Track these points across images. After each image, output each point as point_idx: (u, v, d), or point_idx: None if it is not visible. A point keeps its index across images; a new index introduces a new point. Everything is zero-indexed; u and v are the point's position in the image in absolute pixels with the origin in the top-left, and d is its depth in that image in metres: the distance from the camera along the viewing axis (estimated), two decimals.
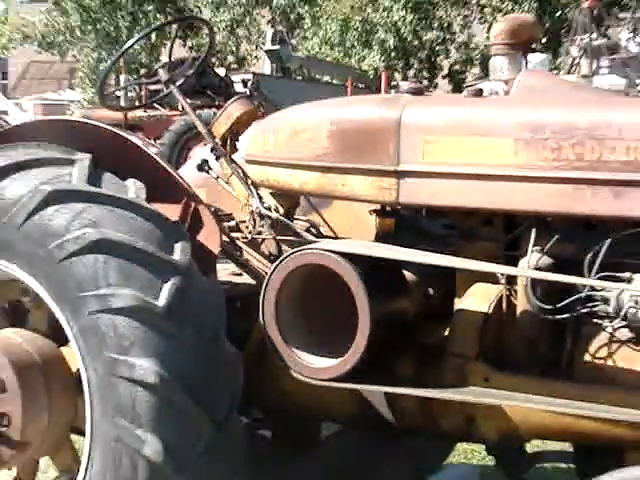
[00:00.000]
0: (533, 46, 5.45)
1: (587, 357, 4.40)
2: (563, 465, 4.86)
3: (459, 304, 4.63)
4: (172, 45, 6.80)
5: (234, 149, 5.30)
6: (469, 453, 6.05)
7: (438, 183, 4.56)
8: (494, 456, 5.19)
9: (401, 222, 4.79)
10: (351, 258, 4.41)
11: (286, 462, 5.76)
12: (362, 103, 5.09)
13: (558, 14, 27.88)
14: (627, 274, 4.25)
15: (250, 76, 22.18)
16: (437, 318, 4.74)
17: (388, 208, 4.78)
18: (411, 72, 29.14)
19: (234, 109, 5.54)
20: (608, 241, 4.31)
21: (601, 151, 4.23)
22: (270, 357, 4.63)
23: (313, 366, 4.54)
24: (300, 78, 23.63)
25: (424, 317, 4.80)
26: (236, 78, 21.83)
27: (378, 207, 4.80)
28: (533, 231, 4.46)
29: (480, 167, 4.46)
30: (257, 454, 5.12)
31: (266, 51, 26.75)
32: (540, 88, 4.97)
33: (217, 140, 5.36)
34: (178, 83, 5.78)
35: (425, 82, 27.84)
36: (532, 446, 5.04)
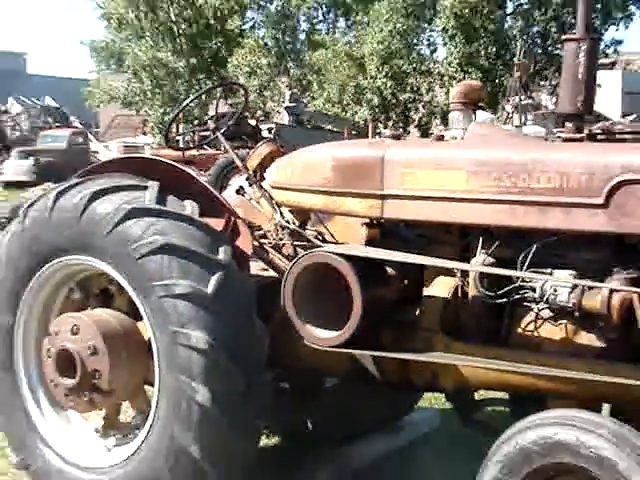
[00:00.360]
0: (480, 104, 5.48)
1: (519, 330, 4.44)
2: (502, 409, 4.86)
3: (426, 291, 4.66)
4: (217, 103, 6.85)
5: (262, 178, 5.34)
6: (433, 400, 6.05)
7: (412, 203, 4.60)
8: (452, 402, 5.25)
9: (384, 231, 4.84)
10: (347, 258, 4.49)
11: (299, 406, 5.82)
12: (356, 145, 5.15)
13: (497, 81, 27.78)
14: (549, 269, 4.31)
15: (273, 125, 22.13)
16: (410, 302, 4.77)
17: (375, 221, 4.80)
18: (390, 123, 29.04)
19: (262, 149, 5.59)
20: (535, 246, 4.36)
21: (529, 181, 4.27)
22: (288, 330, 4.69)
23: (320, 336, 4.60)
24: (310, 127, 23.53)
25: (401, 301, 4.83)
26: (263, 127, 21.85)
27: (367, 220, 4.82)
28: (480, 238, 4.52)
29: (442, 192, 4.50)
30: (278, 401, 5.16)
31: (285, 107, 26.67)
32: (485, 135, 5.01)
33: (250, 172, 5.41)
34: (222, 130, 5.83)
35: (401, 130, 27.76)
36: (479, 395, 5.06)
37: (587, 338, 4.30)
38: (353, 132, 24.75)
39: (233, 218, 5.00)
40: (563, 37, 4.80)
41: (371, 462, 5.87)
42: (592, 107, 4.73)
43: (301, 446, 6.02)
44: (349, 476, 5.59)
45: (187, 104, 6.41)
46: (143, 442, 4.73)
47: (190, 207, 4.78)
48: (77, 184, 4.95)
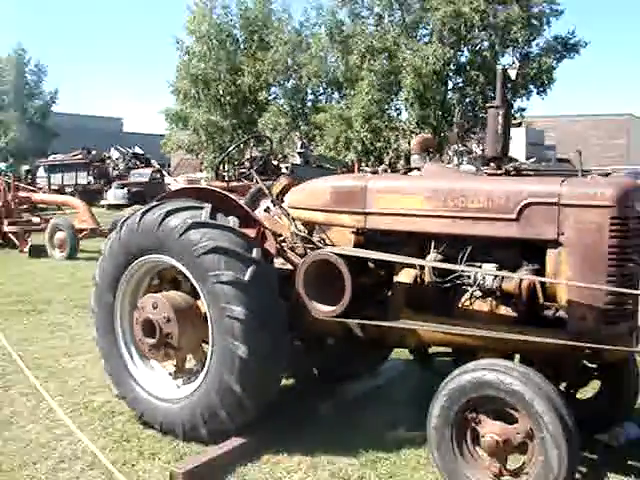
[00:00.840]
0: (430, 150, 5.49)
1: (459, 305, 4.43)
2: (447, 359, 4.84)
3: (396, 279, 4.64)
4: (251, 150, 6.86)
5: (282, 201, 5.32)
6: (400, 354, 6.03)
7: (386, 218, 4.60)
8: (413, 355, 5.23)
9: (367, 238, 4.80)
10: (341, 256, 4.49)
11: (308, 357, 5.81)
12: (346, 178, 5.12)
13: (442, 135, 27.80)
14: (479, 264, 4.32)
15: (289, 165, 22.06)
16: (385, 286, 4.75)
17: (360, 230, 4.78)
18: (369, 163, 29.12)
19: (282, 181, 5.58)
20: (470, 247, 4.36)
21: (466, 202, 4.28)
22: (301, 305, 4.68)
23: (322, 310, 4.60)
24: (314, 166, 23.55)
25: (378, 286, 4.80)
26: (282, 166, 21.73)
27: (355, 230, 4.79)
28: (433, 242, 4.51)
29: (406, 210, 4.51)
30: (294, 354, 5.16)
31: (297, 152, 26.71)
32: (436, 171, 5.01)
33: (274, 196, 5.39)
34: (254, 168, 5.81)
35: (377, 168, 27.85)
36: (432, 350, 5.03)
37: (505, 310, 4.29)
38: (344, 169, 24.77)
39: (262, 229, 5.00)
40: (487, 105, 4.81)
41: (360, 396, 5.85)
42: (507, 152, 4.73)
43: (310, 385, 5.99)
44: (346, 405, 5.56)
45: (230, 151, 6.40)
46: (202, 382, 4.74)
47: (232, 221, 4.78)
48: (156, 206, 4.95)
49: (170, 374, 5.20)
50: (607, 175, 4.45)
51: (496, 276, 4.19)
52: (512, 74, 4.87)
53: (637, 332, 4.29)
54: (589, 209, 3.94)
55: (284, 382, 5.41)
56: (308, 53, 32.76)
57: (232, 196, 5.13)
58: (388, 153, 29.76)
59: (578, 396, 5.02)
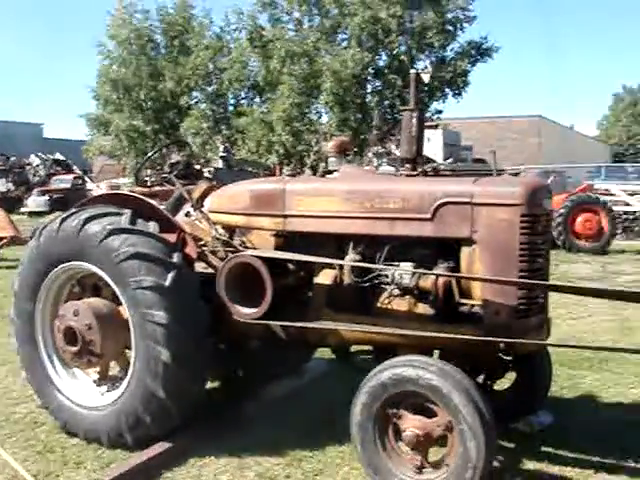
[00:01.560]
0: (348, 152, 5.51)
1: (379, 304, 4.44)
2: (368, 356, 4.87)
3: (316, 280, 4.62)
4: (169, 155, 6.79)
5: (202, 205, 5.26)
6: (323, 353, 6.05)
7: (305, 220, 4.61)
8: (335, 354, 5.25)
9: (287, 240, 4.79)
10: (261, 258, 4.47)
11: (232, 360, 5.77)
12: (265, 181, 5.13)
13: (362, 137, 28.08)
14: (397, 262, 4.35)
15: (212, 169, 21.91)
16: (306, 287, 4.73)
17: (280, 233, 4.76)
18: (291, 166, 29.18)
19: (201, 185, 5.52)
20: (387, 247, 4.40)
21: (383, 203, 4.32)
22: (223, 308, 4.63)
23: (244, 312, 4.56)
24: (237, 170, 23.46)
25: (299, 287, 4.79)
26: (205, 170, 21.56)
27: (275, 233, 4.78)
28: (351, 243, 4.53)
29: (324, 212, 4.52)
30: (218, 357, 5.12)
31: (220, 156, 26.60)
32: (353, 173, 5.04)
33: (194, 201, 5.33)
34: (174, 173, 5.74)
35: (298, 171, 27.82)
36: (353, 348, 5.05)
37: (423, 308, 4.33)
38: (267, 172, 24.76)
39: (182, 233, 4.93)
40: (401, 108, 4.86)
41: (284, 395, 5.84)
42: (422, 153, 4.80)
43: (234, 387, 5.96)
44: (270, 405, 5.55)
45: (149, 157, 6.33)
46: (126, 388, 4.66)
47: (152, 226, 4.71)
48: (75, 212, 4.85)
49: (94, 382, 5.09)
50: (517, 174, 4.56)
51: (414, 274, 4.23)
52: (425, 78, 4.94)
53: (548, 324, 4.43)
54: (500, 207, 4.03)
55: (209, 385, 5.37)
56: (229, 58, 32.65)
57: (152, 201, 5.05)
58: (309, 156, 29.82)
59: (495, 387, 5.11)
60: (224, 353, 5.46)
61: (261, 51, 30.83)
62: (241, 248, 4.85)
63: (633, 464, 4.52)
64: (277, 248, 4.78)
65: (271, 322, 4.57)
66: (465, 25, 30.58)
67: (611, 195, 22.94)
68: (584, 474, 4.41)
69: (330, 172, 5.35)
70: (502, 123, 43.14)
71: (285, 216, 4.66)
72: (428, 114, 30.00)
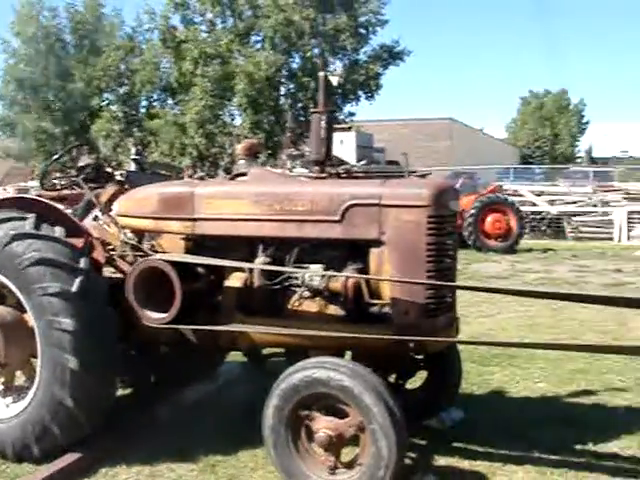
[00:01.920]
0: (259, 155, 5.51)
1: (289, 306, 4.44)
2: (280, 359, 4.85)
3: (227, 283, 4.57)
4: (77, 157, 6.63)
5: (110, 209, 5.16)
6: (235, 356, 6.01)
7: (214, 223, 4.57)
8: (247, 357, 5.22)
9: (197, 243, 4.73)
10: (170, 262, 4.42)
11: (143, 366, 5.70)
12: (174, 185, 5.07)
13: (276, 139, 28.14)
14: (306, 265, 4.36)
15: (124, 172, 21.45)
16: (216, 291, 4.68)
17: (189, 236, 4.70)
18: (205, 169, 28.98)
19: (110, 189, 5.40)
20: (297, 249, 4.41)
21: (291, 205, 4.33)
22: (132, 314, 4.55)
23: (153, 317, 4.49)
24: (150, 172, 23.14)
25: (209, 291, 4.74)
26: (116, 173, 21.10)
27: (184, 236, 4.72)
28: (261, 246, 4.52)
29: (234, 214, 4.50)
30: (128, 364, 5.05)
31: (132, 159, 26.16)
32: (262, 176, 5.04)
33: (102, 205, 5.22)
34: (81, 176, 5.64)
35: (213, 173, 27.68)
36: (266, 351, 5.02)
37: (333, 309, 4.35)
38: (180, 175, 24.54)
39: (90, 238, 4.83)
40: (311, 110, 4.88)
41: (197, 400, 5.80)
42: (331, 155, 4.82)
43: (146, 393, 5.87)
44: (182, 411, 5.49)
45: (54, 160, 6.18)
46: (32, 398, 4.53)
47: (58, 231, 4.60)
48: None
49: None
50: (424, 176, 4.63)
51: (323, 276, 4.25)
52: (334, 80, 4.97)
53: (457, 323, 4.52)
54: (407, 209, 4.09)
55: (120, 392, 5.28)
56: (141, 58, 32.18)
57: (58, 205, 4.94)
58: (223, 158, 29.70)
59: (407, 386, 5.19)
60: (134, 359, 5.39)
61: (174, 52, 30.51)
62: (150, 252, 4.77)
63: (538, 455, 4.67)
64: (187, 252, 4.72)
65: (180, 326, 4.51)
66: (377, 29, 31.06)
67: (519, 196, 23.72)
68: (493, 467, 4.52)
69: (241, 175, 5.32)
70: (414, 125, 43.79)
71: (194, 219, 4.61)
72: (341, 116, 30.33)
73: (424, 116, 45.73)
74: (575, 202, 24.30)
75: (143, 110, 34.29)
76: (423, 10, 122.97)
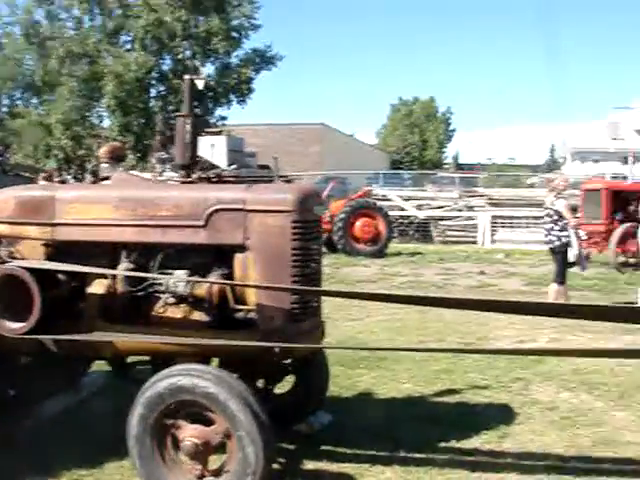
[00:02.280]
0: (122, 159, 5.41)
1: (154, 313, 4.38)
2: (145, 367, 4.74)
3: (89, 290, 4.46)
4: None
5: None
6: (100, 366, 5.82)
7: (76, 228, 4.46)
8: (111, 366, 5.08)
9: (57, 250, 4.57)
10: (28, 269, 4.25)
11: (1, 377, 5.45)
12: (33, 188, 4.91)
13: (146, 142, 27.74)
14: (170, 270, 4.31)
15: None
16: (78, 298, 4.54)
17: (50, 242, 4.54)
18: (71, 171, 28.26)
19: None
20: (161, 255, 4.36)
21: (155, 210, 4.29)
22: None
23: (10, 327, 4.31)
24: (12, 175, 22.23)
25: (71, 298, 4.59)
26: None
27: (44, 242, 4.55)
28: (124, 251, 4.44)
29: (96, 219, 4.41)
30: None
31: None
32: (125, 180, 4.95)
33: None
34: None
35: (80, 176, 26.95)
36: (130, 359, 4.91)
37: (199, 315, 4.33)
38: (33, 178, 23.75)
39: None
40: (175, 114, 4.84)
41: (59, 413, 5.62)
42: (195, 159, 4.79)
43: (6, 406, 5.60)
44: (44, 425, 5.29)
45: None
46: None
47: None
48: None
49: None
50: (289, 181, 4.68)
51: (188, 282, 4.21)
52: (199, 84, 4.95)
53: (322, 327, 4.58)
54: (272, 214, 4.12)
55: None
56: (2, 54, 30.86)
57: None
58: (91, 161, 28.92)
59: (276, 391, 5.21)
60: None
61: (38, 49, 29.48)
62: (7, 259, 4.57)
63: (404, 454, 4.81)
64: (48, 258, 4.56)
65: (39, 336, 4.34)
66: (250, 33, 31.15)
67: (388, 200, 24.30)
68: (361, 469, 4.62)
69: (106, 179, 5.20)
70: (286, 130, 44.02)
71: (54, 224, 4.47)
72: (213, 120, 30.17)
73: (296, 121, 46.06)
74: (441, 207, 25.19)
75: (5, 109, 32.86)
76: (295, 16, 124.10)
